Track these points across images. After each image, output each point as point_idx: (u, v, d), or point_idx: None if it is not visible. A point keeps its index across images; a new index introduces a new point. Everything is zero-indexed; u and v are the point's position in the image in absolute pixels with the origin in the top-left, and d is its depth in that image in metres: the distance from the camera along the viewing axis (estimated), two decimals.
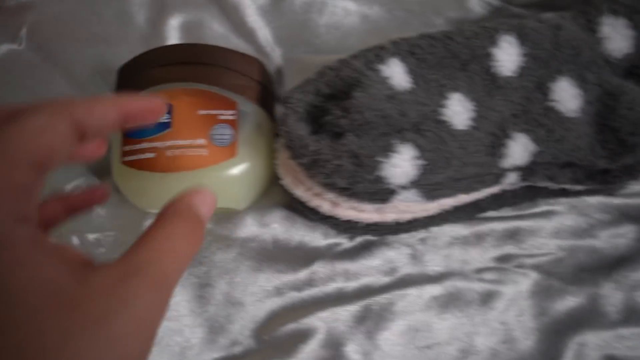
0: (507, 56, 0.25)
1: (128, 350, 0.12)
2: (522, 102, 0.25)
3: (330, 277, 0.28)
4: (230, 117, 0.24)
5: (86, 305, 0.11)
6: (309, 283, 0.28)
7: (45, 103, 0.13)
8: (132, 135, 0.23)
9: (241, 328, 0.27)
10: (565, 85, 0.25)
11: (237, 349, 0.27)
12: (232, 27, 0.34)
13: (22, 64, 0.32)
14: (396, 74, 0.24)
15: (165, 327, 0.27)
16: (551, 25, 0.25)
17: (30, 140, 0.12)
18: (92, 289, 0.12)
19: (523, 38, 0.25)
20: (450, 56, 0.25)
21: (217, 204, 0.23)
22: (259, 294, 0.28)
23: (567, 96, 0.24)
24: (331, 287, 0.28)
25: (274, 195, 0.29)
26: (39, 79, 0.31)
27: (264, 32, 0.33)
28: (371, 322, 0.27)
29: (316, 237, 0.29)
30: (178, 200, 0.15)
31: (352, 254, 0.29)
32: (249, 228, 0.28)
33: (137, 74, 0.24)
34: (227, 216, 0.28)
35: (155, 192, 0.23)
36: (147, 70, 0.24)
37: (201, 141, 0.23)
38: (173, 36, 0.33)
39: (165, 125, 0.23)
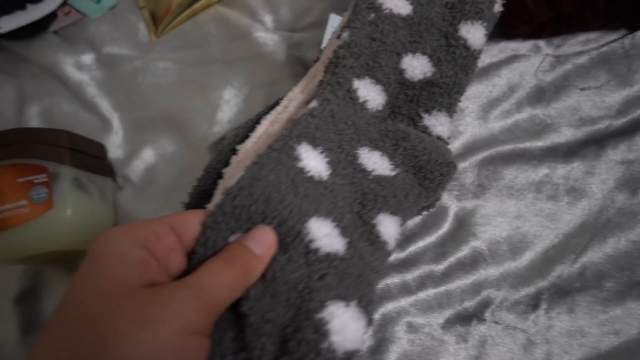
0: (314, 161, 0.26)
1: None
2: (355, 189, 0.27)
3: None
4: (43, 179, 0.33)
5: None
6: None
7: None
8: None
9: None
10: (365, 154, 0.28)
11: None
12: (79, 104, 0.44)
13: None
14: None
15: None
16: (325, 115, 0.28)
17: None
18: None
19: (314, 142, 0.27)
20: None
21: (53, 248, 0.34)
22: None
23: (375, 160, 0.28)
24: None
25: None
26: None
27: (103, 103, 0.44)
28: None
29: None
30: (236, 241, 0.20)
31: None
32: None
33: None
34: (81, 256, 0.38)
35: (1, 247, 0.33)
36: None
37: (23, 202, 0.32)
38: (33, 123, 0.44)
39: None
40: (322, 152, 0.27)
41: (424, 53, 0.30)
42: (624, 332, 0.28)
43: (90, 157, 0.38)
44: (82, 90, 0.44)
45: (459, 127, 0.35)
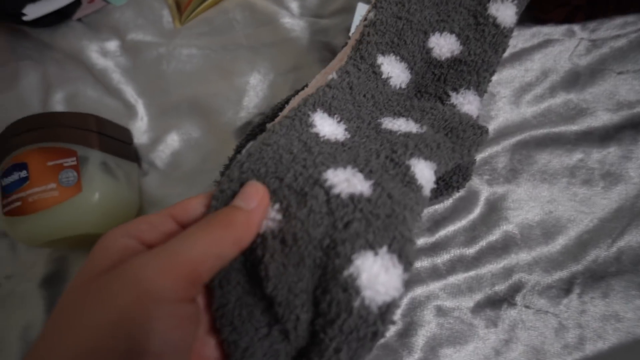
0: (329, 127, 0.26)
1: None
2: (381, 142, 0.26)
3: None
4: (73, 163, 0.34)
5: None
6: None
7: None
8: (6, 191, 0.34)
9: None
10: (388, 121, 0.28)
11: None
12: (103, 91, 0.45)
13: None
14: None
15: None
16: (343, 86, 0.28)
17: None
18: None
19: (330, 110, 0.26)
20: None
21: (80, 231, 0.34)
22: None
23: (400, 124, 0.28)
24: None
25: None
26: None
27: (128, 89, 0.45)
28: None
29: None
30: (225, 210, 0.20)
31: None
32: None
33: (2, 144, 0.35)
34: None
35: (27, 231, 0.33)
36: (7, 140, 0.35)
37: (52, 185, 0.33)
38: (59, 109, 0.45)
39: (24, 179, 0.33)
40: (339, 121, 0.26)
41: (451, 32, 0.31)
42: None
43: (117, 142, 0.39)
44: (107, 76, 0.45)
45: (491, 112, 0.35)
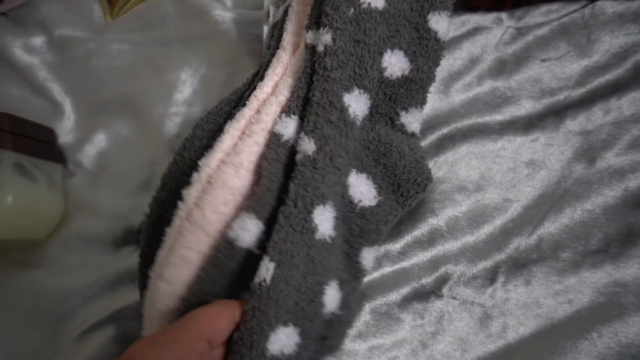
0: (326, 223, 0.28)
1: None
2: (345, 232, 0.30)
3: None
4: None
5: None
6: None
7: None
8: None
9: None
10: (354, 181, 0.30)
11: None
12: (29, 88, 0.45)
13: None
14: None
15: None
16: (326, 162, 0.28)
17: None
18: None
19: (323, 201, 0.28)
20: None
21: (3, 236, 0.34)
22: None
23: (362, 190, 0.30)
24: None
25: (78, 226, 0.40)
26: None
27: (55, 87, 0.45)
28: None
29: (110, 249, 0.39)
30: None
31: None
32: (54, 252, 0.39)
33: None
34: (32, 247, 0.39)
35: None
36: None
37: None
38: None
39: None
40: (330, 206, 0.28)
41: (400, 48, 0.31)
42: (577, 301, 0.29)
43: (36, 142, 0.39)
44: (32, 74, 0.45)
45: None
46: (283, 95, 0.32)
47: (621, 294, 0.28)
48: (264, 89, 0.33)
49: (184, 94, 0.43)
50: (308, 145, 0.28)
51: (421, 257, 0.32)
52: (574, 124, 0.33)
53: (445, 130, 0.34)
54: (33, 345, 0.37)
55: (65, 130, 0.43)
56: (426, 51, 0.31)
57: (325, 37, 0.30)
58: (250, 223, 0.27)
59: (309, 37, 0.32)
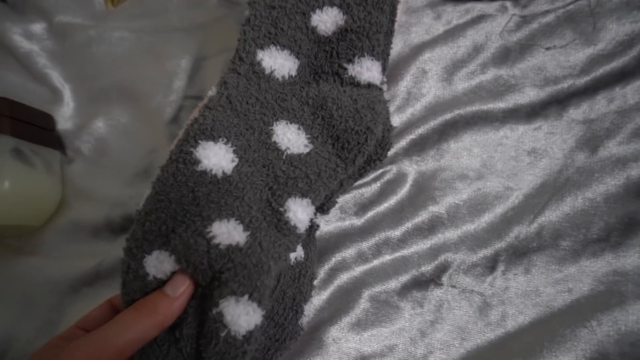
0: (215, 158, 0.29)
1: None
2: (267, 172, 0.30)
3: None
4: None
5: None
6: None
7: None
8: None
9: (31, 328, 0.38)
10: (280, 129, 0.31)
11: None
12: (28, 75, 0.46)
13: None
14: None
15: None
16: (221, 103, 0.30)
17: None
18: None
19: (212, 136, 0.29)
20: None
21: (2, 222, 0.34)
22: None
23: (290, 137, 0.30)
24: None
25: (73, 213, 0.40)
26: None
27: (54, 74, 0.45)
28: None
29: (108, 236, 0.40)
30: (157, 290, 0.26)
31: None
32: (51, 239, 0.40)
33: None
34: (30, 233, 0.40)
35: None
36: None
37: None
38: None
39: None
40: (225, 143, 0.29)
41: (332, 5, 0.32)
42: (577, 290, 0.29)
43: (35, 128, 0.40)
44: (32, 60, 0.46)
45: (422, 89, 0.36)
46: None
47: (621, 283, 0.29)
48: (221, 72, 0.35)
49: (184, 82, 0.43)
50: (210, 92, 0.31)
51: (421, 245, 0.32)
52: (577, 112, 0.33)
53: (448, 116, 0.35)
54: (28, 333, 0.38)
55: (64, 117, 0.44)
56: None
57: (245, 13, 0.33)
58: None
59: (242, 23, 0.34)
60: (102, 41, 0.46)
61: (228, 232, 0.27)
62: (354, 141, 0.30)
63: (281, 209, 0.29)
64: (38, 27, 0.48)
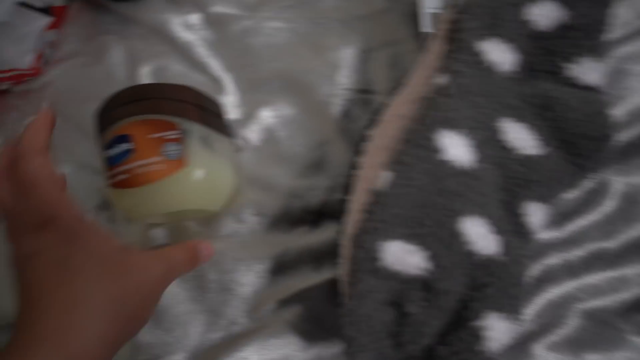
0: (456, 149, 0.29)
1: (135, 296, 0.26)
2: (501, 173, 0.30)
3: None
4: (175, 136, 0.35)
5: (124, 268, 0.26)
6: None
7: None
8: (111, 162, 0.36)
9: (236, 310, 0.40)
10: (507, 127, 0.30)
11: (235, 328, 0.40)
12: (189, 65, 0.48)
13: None
14: None
15: (172, 313, 0.41)
16: (459, 91, 0.30)
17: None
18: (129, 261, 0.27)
19: (453, 126, 0.29)
20: None
21: (185, 207, 0.37)
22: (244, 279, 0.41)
23: (518, 136, 0.30)
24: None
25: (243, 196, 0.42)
26: (61, 136, 0.48)
27: (214, 63, 0.48)
28: None
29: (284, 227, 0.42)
30: (190, 242, 0.32)
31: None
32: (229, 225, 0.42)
33: (105, 115, 0.37)
34: (208, 218, 0.43)
35: (135, 203, 0.36)
36: (109, 111, 0.37)
37: (157, 158, 0.34)
38: (146, 82, 0.48)
39: (130, 151, 0.35)
40: (466, 135, 0.29)
41: None
42: None
43: (214, 116, 0.42)
44: (192, 50, 0.48)
45: (621, 91, 0.35)
46: (427, 69, 0.34)
47: None
48: (416, 69, 0.36)
49: (348, 75, 0.44)
50: (440, 79, 0.31)
51: None
52: None
53: None
54: (219, 315, 0.41)
55: (230, 106, 0.46)
56: None
57: (459, 1, 0.32)
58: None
59: (450, 14, 0.34)
60: (258, 31, 0.48)
61: (484, 236, 0.27)
62: (592, 148, 0.30)
63: (519, 212, 0.29)
64: (195, 18, 0.50)
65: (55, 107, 0.51)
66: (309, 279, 0.39)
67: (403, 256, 0.28)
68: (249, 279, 0.41)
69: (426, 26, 0.43)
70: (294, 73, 0.45)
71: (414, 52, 0.43)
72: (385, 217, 0.28)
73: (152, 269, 0.28)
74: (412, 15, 0.45)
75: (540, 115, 0.31)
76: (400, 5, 0.45)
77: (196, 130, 0.38)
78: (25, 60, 0.49)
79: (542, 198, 0.30)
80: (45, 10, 0.48)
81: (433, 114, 0.29)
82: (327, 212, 0.42)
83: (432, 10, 0.43)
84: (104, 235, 0.27)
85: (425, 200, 0.28)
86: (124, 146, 0.35)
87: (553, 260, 0.33)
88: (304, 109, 0.44)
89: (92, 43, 0.52)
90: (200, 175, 0.37)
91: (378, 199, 0.29)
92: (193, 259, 0.32)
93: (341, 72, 0.44)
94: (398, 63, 0.43)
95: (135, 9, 0.51)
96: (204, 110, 0.40)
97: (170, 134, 0.35)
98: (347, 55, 0.45)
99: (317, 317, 0.38)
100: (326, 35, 0.46)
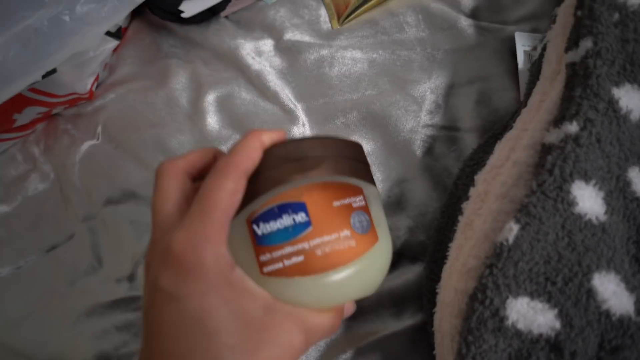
0: (589, 202, 0.28)
1: None
2: (629, 225, 0.28)
3: None
4: (362, 204, 0.27)
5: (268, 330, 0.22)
6: None
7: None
8: (265, 242, 0.25)
9: (306, 358, 0.36)
10: (636, 176, 0.29)
11: None
12: (258, 93, 0.46)
13: (101, 155, 0.46)
14: None
15: None
16: (592, 141, 0.28)
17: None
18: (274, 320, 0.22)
19: (586, 177, 0.28)
20: None
21: (373, 290, 0.28)
22: None
23: None
24: None
25: None
26: (114, 164, 0.46)
27: (285, 92, 0.46)
28: None
29: None
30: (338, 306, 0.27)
31: None
32: None
33: (258, 176, 0.25)
34: None
35: (319, 295, 0.25)
36: (266, 171, 0.25)
37: (346, 232, 0.25)
38: (210, 110, 0.46)
39: (305, 225, 0.24)
40: (595, 186, 0.28)
41: None
42: None
43: (369, 171, 0.32)
44: (262, 77, 0.46)
45: None
46: (547, 114, 0.33)
47: None
48: (528, 112, 0.35)
49: (433, 110, 0.42)
50: (570, 127, 0.29)
51: None
52: None
53: None
54: None
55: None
56: None
57: (586, 44, 0.31)
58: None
59: (568, 57, 0.33)
60: (334, 61, 0.46)
61: (617, 294, 0.25)
62: None
63: None
64: (267, 44, 0.48)
65: (109, 133, 0.49)
66: (389, 325, 0.36)
67: (530, 314, 0.26)
68: None
69: (523, 64, 0.41)
70: (372, 106, 0.43)
71: (505, 90, 0.41)
72: (511, 272, 0.27)
73: (294, 339, 0.22)
74: (504, 52, 0.43)
75: None
76: (492, 42, 0.43)
77: (374, 193, 0.29)
78: (85, 84, 0.47)
79: None
80: (116, 33, 0.47)
81: (564, 164, 0.28)
82: (407, 253, 0.39)
83: (527, 48, 0.42)
84: (251, 288, 0.23)
85: (555, 255, 0.27)
86: (295, 217, 0.25)
87: None
88: (383, 144, 0.42)
89: (152, 66, 0.50)
90: (390, 249, 0.28)
91: (504, 252, 0.27)
92: (336, 325, 0.26)
93: (424, 106, 0.42)
94: (485, 100, 0.41)
95: (202, 32, 0.49)
96: (367, 166, 0.31)
97: (356, 201, 0.27)
98: (430, 90, 0.43)
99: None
100: (408, 68, 0.44)
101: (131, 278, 0.41)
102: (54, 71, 0.41)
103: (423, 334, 0.34)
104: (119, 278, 0.41)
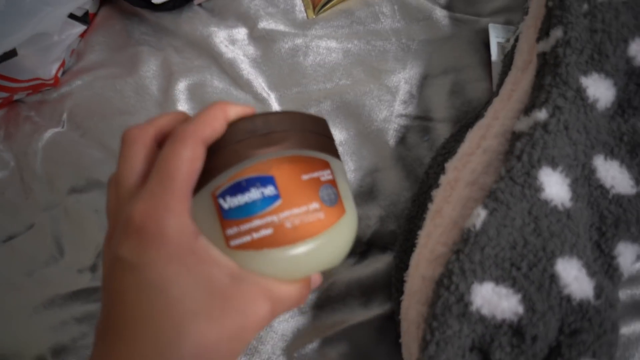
0: (555, 187, 0.28)
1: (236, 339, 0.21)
2: (592, 212, 0.29)
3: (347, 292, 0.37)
4: (329, 177, 0.27)
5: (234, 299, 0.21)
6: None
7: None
8: (232, 215, 0.24)
9: (272, 348, 0.37)
10: (602, 165, 0.29)
11: None
12: (231, 82, 0.46)
13: (65, 143, 0.45)
14: None
15: None
16: (559, 128, 0.29)
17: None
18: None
19: (553, 163, 0.29)
20: None
21: (339, 261, 0.28)
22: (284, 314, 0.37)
23: (614, 175, 0.29)
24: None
25: None
26: (79, 152, 0.45)
27: (258, 81, 0.45)
28: None
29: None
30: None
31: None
32: None
33: (223, 150, 0.25)
34: None
35: (286, 267, 0.25)
36: (231, 144, 0.25)
37: (315, 205, 0.25)
38: (182, 99, 0.45)
39: (274, 198, 0.25)
40: (561, 172, 0.28)
41: None
42: None
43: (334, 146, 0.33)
44: (235, 66, 0.46)
45: None
46: (518, 103, 0.33)
47: None
48: (499, 101, 0.35)
49: (407, 101, 0.42)
50: (539, 115, 0.29)
51: None
52: None
53: None
54: (254, 352, 0.37)
55: None
56: None
57: (556, 33, 0.32)
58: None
59: (540, 46, 0.33)
60: (309, 50, 0.46)
61: (578, 279, 0.26)
62: None
63: (612, 253, 0.28)
64: (240, 33, 0.48)
65: (74, 120, 0.48)
66: (357, 314, 0.36)
67: (494, 299, 0.26)
68: (289, 314, 0.37)
69: (496, 56, 0.42)
70: (346, 95, 0.43)
71: (478, 81, 0.42)
72: (477, 258, 0.27)
73: (259, 308, 0.22)
74: (478, 44, 0.43)
75: (632, 153, 0.30)
76: (466, 33, 0.43)
77: (340, 167, 0.30)
78: (50, 69, 0.46)
79: (635, 238, 0.29)
80: (82, 18, 0.46)
81: (532, 151, 0.28)
82: (377, 243, 0.39)
83: (500, 40, 0.42)
84: (216, 257, 0.22)
85: (521, 240, 0.27)
86: (264, 191, 0.25)
87: (621, 297, 0.31)
88: (356, 134, 0.41)
89: (122, 53, 0.49)
90: (356, 222, 0.29)
91: (471, 237, 0.27)
92: (304, 296, 0.26)
93: (398, 96, 0.42)
94: (459, 91, 0.41)
95: (174, 19, 0.49)
96: (333, 142, 0.31)
97: (323, 175, 0.27)
98: (404, 80, 0.43)
99: (366, 356, 0.34)
100: (383, 58, 0.44)
101: (94, 268, 0.40)
102: (14, 54, 0.40)
103: (391, 323, 0.34)
104: (80, 268, 0.40)
